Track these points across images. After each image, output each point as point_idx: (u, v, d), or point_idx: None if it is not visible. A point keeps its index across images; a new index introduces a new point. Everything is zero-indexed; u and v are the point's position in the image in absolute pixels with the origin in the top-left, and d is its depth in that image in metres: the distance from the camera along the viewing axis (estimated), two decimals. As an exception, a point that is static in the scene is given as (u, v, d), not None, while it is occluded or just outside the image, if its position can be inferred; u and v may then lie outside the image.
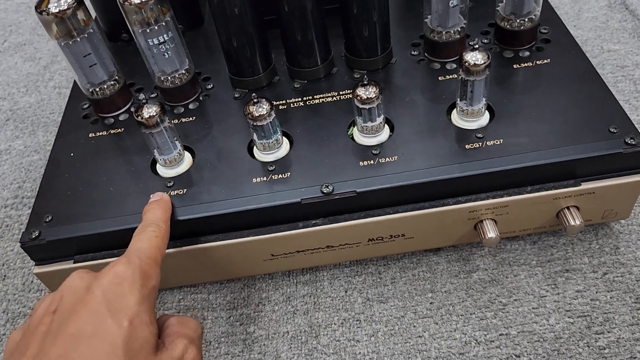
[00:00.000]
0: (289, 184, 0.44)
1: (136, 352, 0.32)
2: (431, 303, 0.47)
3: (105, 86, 0.51)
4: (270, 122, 0.44)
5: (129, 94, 0.53)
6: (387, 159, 0.44)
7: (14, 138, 0.67)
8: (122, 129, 0.51)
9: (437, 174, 0.43)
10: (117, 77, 0.52)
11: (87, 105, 0.54)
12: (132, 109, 0.50)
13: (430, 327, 0.45)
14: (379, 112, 0.45)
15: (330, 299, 0.48)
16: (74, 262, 0.45)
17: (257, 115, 0.44)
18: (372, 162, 0.44)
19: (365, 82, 0.44)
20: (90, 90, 0.51)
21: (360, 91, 0.44)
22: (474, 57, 0.43)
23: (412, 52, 0.53)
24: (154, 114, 0.43)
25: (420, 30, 0.54)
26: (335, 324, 0.46)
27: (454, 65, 0.51)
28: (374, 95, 0.43)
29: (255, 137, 0.45)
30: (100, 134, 0.51)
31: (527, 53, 0.51)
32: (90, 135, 0.51)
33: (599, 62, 0.63)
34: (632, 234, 0.48)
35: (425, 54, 0.53)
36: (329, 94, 0.51)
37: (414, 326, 0.45)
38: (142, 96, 0.43)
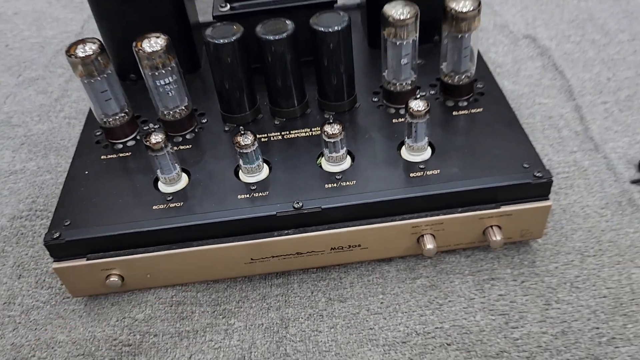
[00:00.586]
0: (267, 200, 0.54)
1: None
2: (381, 303, 0.56)
3: (117, 117, 0.61)
4: (254, 150, 0.55)
5: (136, 124, 0.64)
6: (348, 183, 0.55)
7: (28, 160, 0.76)
8: (130, 153, 0.61)
9: (386, 195, 0.54)
10: (126, 110, 0.62)
11: (99, 133, 0.64)
12: (140, 136, 0.60)
13: (380, 321, 0.55)
14: (342, 145, 0.56)
15: (298, 298, 0.58)
16: (87, 260, 0.54)
17: (243, 144, 0.54)
18: (335, 184, 0.55)
19: (331, 121, 0.55)
20: (104, 120, 0.61)
21: (327, 128, 0.55)
22: (417, 105, 0.54)
23: (373, 99, 0.65)
24: (160, 140, 0.53)
25: (380, 81, 0.66)
26: (302, 317, 0.56)
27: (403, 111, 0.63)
28: (338, 132, 0.55)
29: (241, 162, 0.56)
30: (111, 156, 0.61)
31: (465, 103, 0.63)
32: (102, 157, 0.61)
33: (531, 113, 0.75)
34: (546, 251, 0.59)
35: (384, 101, 0.64)
36: (303, 130, 0.62)
37: (367, 321, 0.55)
38: (150, 125, 0.54)
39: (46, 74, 0.91)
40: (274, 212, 0.53)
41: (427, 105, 0.54)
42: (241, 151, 0.55)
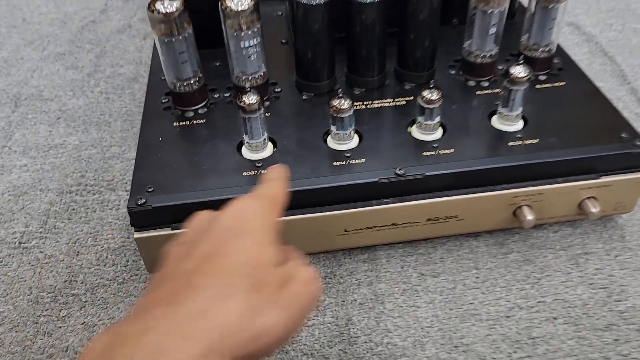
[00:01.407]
0: (365, 168, 0.51)
1: (261, 268, 0.32)
2: (477, 277, 0.54)
3: (190, 82, 0.57)
4: (350, 115, 0.52)
5: (206, 92, 0.60)
6: (446, 151, 0.53)
7: (67, 134, 0.71)
8: (204, 120, 0.57)
9: (487, 163, 0.52)
10: (199, 76, 0.58)
11: (166, 100, 0.60)
12: (236, 98, 0.55)
13: (479, 296, 0.53)
14: (438, 112, 0.54)
15: (389, 273, 0.55)
16: (172, 230, 0.50)
17: (340, 108, 0.51)
18: (433, 152, 0.53)
19: (431, 86, 0.53)
20: (176, 85, 0.57)
21: (426, 93, 0.52)
22: (519, 71, 0.53)
23: (450, 72, 0.63)
24: (255, 101, 0.50)
25: (455, 55, 0.64)
26: (396, 293, 0.53)
27: (487, 83, 0.61)
28: (437, 98, 0.52)
29: (333, 128, 0.53)
30: (184, 123, 0.57)
31: (544, 77, 0.62)
32: (174, 124, 0.57)
33: (589, 95, 0.75)
34: (634, 226, 0.59)
35: (462, 73, 0.62)
36: (385, 101, 0.59)
37: (465, 295, 0.53)
38: (247, 85, 0.50)
39: (73, 49, 0.86)
40: (376, 179, 0.50)
41: (530, 71, 0.53)
42: (338, 115, 0.52)
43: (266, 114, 0.57)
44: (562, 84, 0.61)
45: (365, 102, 0.59)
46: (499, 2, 0.57)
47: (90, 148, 0.68)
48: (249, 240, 0.33)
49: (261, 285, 0.32)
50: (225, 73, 0.62)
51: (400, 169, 0.51)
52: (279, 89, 0.61)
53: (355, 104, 0.58)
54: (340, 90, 0.52)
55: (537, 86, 0.61)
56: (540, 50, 0.61)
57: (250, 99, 0.50)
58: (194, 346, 0.28)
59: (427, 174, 0.51)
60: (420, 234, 0.55)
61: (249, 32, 0.54)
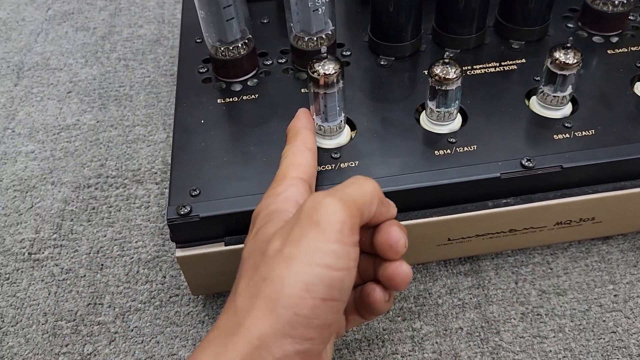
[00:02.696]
0: (480, 158, 0.38)
1: None
2: (615, 295, 0.42)
3: (239, 45, 0.44)
4: (458, 87, 0.39)
5: (256, 59, 0.47)
6: (584, 132, 0.40)
7: (81, 112, 0.58)
8: (256, 95, 0.44)
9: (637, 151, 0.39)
10: (248, 37, 0.45)
11: (204, 69, 0.47)
12: (312, 66, 0.40)
13: (622, 321, 0.41)
14: (571, 81, 0.40)
15: (500, 291, 0.43)
16: (225, 245, 0.38)
17: (445, 77, 0.38)
18: (567, 135, 0.40)
19: (569, 45, 0.39)
20: (220, 48, 0.44)
21: (559, 54, 0.39)
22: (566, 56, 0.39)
23: (568, 25, 0.49)
24: (334, 71, 0.37)
25: (571, 1, 0.50)
26: (514, 319, 0.41)
27: (617, 39, 0.47)
28: (574, 61, 0.39)
29: (432, 104, 0.40)
30: (230, 99, 0.44)
31: (616, 39, 0.47)
32: (219, 101, 0.44)
33: None
34: None
35: (582, 25, 0.48)
36: (490, 65, 0.46)
37: (604, 320, 0.41)
38: (323, 49, 0.37)
39: (83, 7, 0.72)
40: (498, 174, 0.37)
41: (581, 56, 0.39)
42: (442, 87, 0.38)
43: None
44: None
45: (463, 67, 0.45)
46: None
47: (109, 129, 0.56)
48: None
49: None
50: (275, 33, 0.49)
51: (528, 160, 0.38)
52: (348, 52, 0.48)
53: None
54: (447, 53, 0.38)
55: (609, 51, 0.47)
56: (609, 3, 0.46)
57: (327, 68, 0.37)
58: None
59: (566, 165, 0.38)
60: (543, 240, 0.43)
61: (316, -24, 0.41)
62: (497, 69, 0.45)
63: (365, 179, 0.30)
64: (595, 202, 0.39)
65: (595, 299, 0.42)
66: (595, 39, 0.48)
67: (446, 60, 0.38)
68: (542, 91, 0.41)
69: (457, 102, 0.40)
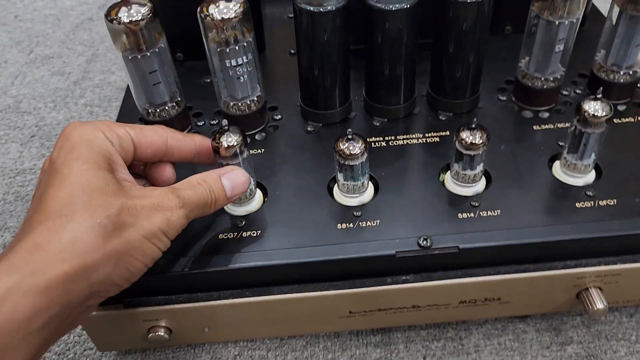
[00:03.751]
0: (379, 234, 0.39)
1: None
2: (523, 378, 0.41)
3: (166, 107, 0.46)
4: (363, 162, 0.39)
5: (188, 118, 0.48)
6: (489, 213, 0.40)
7: (39, 157, 0.60)
8: (181, 157, 0.46)
9: (545, 234, 0.38)
10: (178, 99, 0.47)
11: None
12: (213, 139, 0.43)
13: (526, 407, 0.40)
14: (482, 159, 0.40)
15: (407, 365, 0.42)
16: (124, 307, 0.38)
17: (349, 153, 0.39)
18: (472, 214, 0.40)
19: (473, 126, 0.39)
20: (149, 110, 0.46)
21: (466, 135, 0.39)
22: (596, 108, 0.39)
23: (500, 97, 0.49)
24: (235, 142, 0.38)
25: (507, 74, 0.50)
26: (415, 396, 0.41)
27: (547, 114, 0.47)
28: (481, 142, 0.39)
29: (340, 177, 0.40)
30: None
31: (624, 107, 0.47)
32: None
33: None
34: None
35: (515, 99, 0.49)
36: (414, 135, 0.46)
37: (506, 405, 0.40)
38: (225, 122, 0.38)
39: (63, 52, 0.76)
40: (393, 252, 0.38)
41: (610, 109, 0.39)
42: (346, 162, 0.39)
43: (257, 151, 0.45)
44: (648, 118, 0.46)
45: (386, 137, 0.46)
46: (570, 9, 0.42)
47: (61, 175, 0.58)
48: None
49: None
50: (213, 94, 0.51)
51: (424, 239, 0.38)
52: (279, 116, 0.49)
53: (372, 140, 0.46)
54: (349, 130, 0.39)
55: (616, 120, 0.46)
56: (621, 72, 0.47)
57: (229, 140, 0.38)
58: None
59: (463, 246, 0.38)
60: (450, 317, 0.42)
61: (237, 47, 0.42)
62: (420, 140, 0.46)
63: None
64: (496, 283, 0.39)
65: (502, 380, 0.41)
66: (525, 113, 0.48)
67: (349, 136, 0.39)
68: (455, 169, 0.41)
69: (364, 176, 0.40)
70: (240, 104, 0.46)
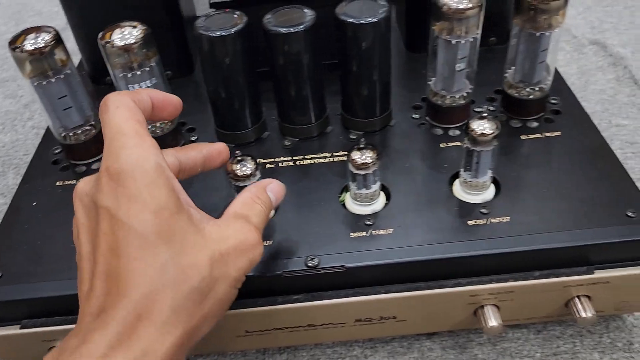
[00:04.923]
0: (269, 253, 0.39)
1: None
2: (423, 396, 0.41)
3: (80, 131, 0.47)
4: (256, 182, 0.40)
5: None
6: (382, 232, 0.40)
7: (-18, 178, 0.62)
8: (94, 179, 0.47)
9: (436, 252, 0.39)
10: (93, 122, 0.48)
11: (58, 151, 0.50)
12: None
13: None
14: (375, 178, 0.41)
15: (309, 384, 0.43)
16: (21, 328, 0.39)
17: (240, 174, 0.39)
18: (365, 233, 0.40)
19: (362, 146, 0.40)
20: (63, 134, 0.47)
21: (356, 155, 0.40)
22: (482, 126, 0.39)
23: (413, 116, 0.50)
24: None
25: (422, 93, 0.51)
26: (313, 415, 0.41)
27: (457, 132, 0.48)
28: (371, 160, 0.40)
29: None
30: (69, 182, 0.47)
31: (536, 124, 0.48)
32: (57, 183, 0.47)
33: (607, 137, 0.59)
34: (648, 328, 0.44)
35: (428, 118, 0.49)
36: (322, 155, 0.47)
37: (403, 423, 0.40)
38: (237, 152, 0.39)
39: (18, 75, 0.77)
40: (280, 272, 0.38)
41: (497, 127, 0.39)
42: (237, 184, 0.40)
43: (165, 174, 0.46)
44: (556, 134, 0.47)
45: (295, 157, 0.47)
46: (467, 28, 0.43)
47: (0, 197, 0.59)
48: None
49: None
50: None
51: (312, 259, 0.38)
52: (195, 138, 0.50)
53: (282, 159, 0.46)
54: (238, 152, 0.40)
55: (523, 136, 0.47)
56: (527, 89, 0.47)
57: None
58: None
59: (349, 265, 0.38)
60: (349, 335, 0.43)
61: (140, 72, 0.43)
62: (328, 159, 0.46)
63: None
64: (387, 301, 0.39)
65: (402, 398, 0.41)
66: (436, 130, 0.48)
67: (239, 158, 0.40)
68: (351, 188, 0.42)
69: (260, 196, 0.41)
70: (151, 127, 0.47)
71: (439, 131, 0.48)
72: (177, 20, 0.55)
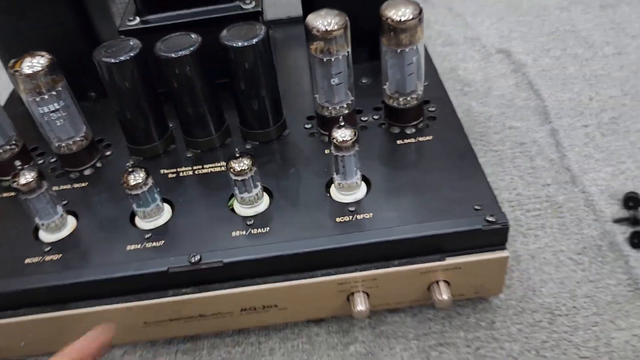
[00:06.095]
0: (161, 252, 0.45)
1: None
2: (305, 376, 0.46)
3: (1, 150, 0.52)
4: (147, 190, 0.45)
5: (29, 157, 0.54)
6: (259, 230, 0.45)
7: None
8: (15, 193, 0.52)
9: (305, 246, 0.44)
10: (15, 141, 0.53)
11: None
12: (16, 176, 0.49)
13: (300, 400, 0.45)
14: (254, 183, 0.46)
15: (206, 369, 0.48)
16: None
17: (132, 184, 0.45)
18: (244, 232, 0.45)
19: (238, 155, 0.45)
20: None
21: (234, 163, 0.45)
22: (342, 134, 0.44)
23: (306, 125, 0.55)
24: (30, 179, 0.44)
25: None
26: (206, 395, 0.46)
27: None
28: (247, 167, 0.45)
29: (134, 205, 0.46)
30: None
31: (413, 130, 0.53)
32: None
33: (501, 139, 0.65)
34: (509, 309, 0.49)
35: (318, 128, 0.55)
36: (219, 164, 0.52)
37: (284, 399, 0.45)
38: (17, 163, 0.44)
39: None
40: (165, 268, 0.43)
41: (354, 134, 0.45)
42: (131, 192, 0.45)
43: (75, 186, 0.52)
44: (428, 138, 0.52)
45: (194, 167, 0.52)
46: (337, 47, 0.49)
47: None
48: None
49: None
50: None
51: (194, 255, 0.44)
52: (109, 152, 0.55)
53: (183, 169, 0.52)
54: (129, 163, 0.45)
55: (399, 141, 0.52)
56: (402, 99, 0.52)
57: (25, 177, 0.44)
58: None
59: (226, 261, 0.43)
60: (241, 324, 0.48)
61: (47, 96, 0.49)
62: (223, 168, 0.52)
63: None
64: (262, 292, 0.44)
65: (286, 378, 0.46)
66: (323, 138, 0.53)
67: (130, 169, 0.45)
68: (236, 193, 0.47)
69: (154, 202, 0.46)
70: (65, 144, 0.52)
71: (325, 139, 0.53)
72: (94, 44, 0.60)
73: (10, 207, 0.51)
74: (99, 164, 0.54)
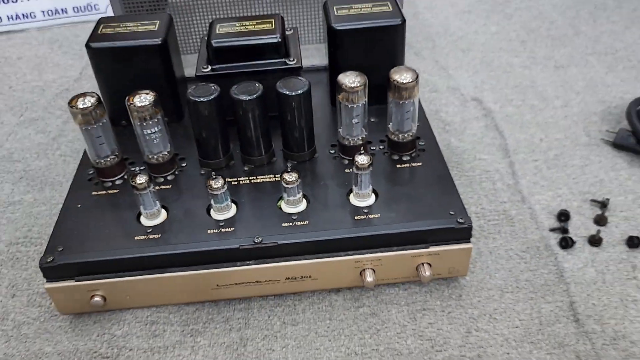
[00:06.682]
0: (232, 235, 0.64)
1: None
2: (328, 327, 0.66)
3: (108, 159, 0.71)
4: (223, 192, 0.65)
5: (124, 165, 0.74)
6: (302, 223, 0.65)
7: (25, 192, 0.85)
8: (117, 190, 0.71)
9: (334, 234, 0.64)
10: (117, 153, 0.72)
11: (91, 172, 0.74)
12: (127, 176, 0.69)
13: (325, 343, 0.64)
14: (298, 190, 0.66)
15: (257, 321, 0.67)
16: (75, 281, 0.63)
17: (214, 187, 0.64)
18: (291, 224, 0.65)
19: (289, 170, 0.65)
20: (97, 161, 0.71)
21: (286, 175, 0.65)
22: (362, 159, 0.65)
23: (330, 151, 0.75)
24: (144, 181, 0.63)
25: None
26: (258, 338, 0.65)
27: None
28: (294, 179, 0.65)
29: (212, 202, 0.66)
30: (101, 192, 0.71)
31: (408, 157, 0.74)
32: (93, 193, 0.71)
33: (472, 167, 0.86)
34: (472, 286, 0.69)
35: (339, 153, 0.75)
36: (268, 176, 0.72)
37: (314, 342, 0.64)
38: (136, 168, 0.64)
39: (45, 115, 1.02)
40: (237, 246, 0.63)
41: (370, 159, 0.65)
42: (212, 193, 0.65)
43: (162, 187, 0.71)
44: (419, 164, 0.73)
45: (251, 177, 0.72)
46: (358, 97, 0.69)
47: (40, 205, 0.83)
48: None
49: None
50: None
51: (258, 238, 0.63)
52: (184, 164, 0.75)
53: (242, 179, 0.72)
54: (213, 173, 0.65)
55: (398, 166, 0.73)
56: (400, 135, 0.73)
57: (140, 179, 0.63)
58: None
59: (280, 242, 0.63)
60: (282, 289, 0.67)
61: (150, 122, 0.68)
62: (272, 178, 0.71)
63: None
64: (304, 265, 0.64)
65: (315, 328, 0.66)
66: (344, 161, 0.74)
67: (214, 177, 0.64)
68: (284, 196, 0.67)
69: (226, 200, 0.66)
70: (156, 156, 0.71)
71: (346, 161, 0.74)
72: (172, 82, 0.80)
73: (114, 200, 0.70)
74: (177, 172, 0.73)
